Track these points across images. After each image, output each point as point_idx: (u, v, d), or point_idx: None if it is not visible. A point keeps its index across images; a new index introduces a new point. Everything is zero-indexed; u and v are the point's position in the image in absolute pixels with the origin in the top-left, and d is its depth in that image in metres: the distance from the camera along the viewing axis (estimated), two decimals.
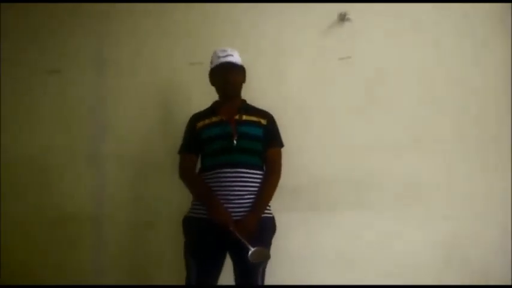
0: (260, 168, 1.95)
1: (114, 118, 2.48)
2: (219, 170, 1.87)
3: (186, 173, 1.96)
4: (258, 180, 1.91)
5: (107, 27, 2.52)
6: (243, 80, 2.05)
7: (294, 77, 2.45)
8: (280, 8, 2.47)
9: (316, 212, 2.35)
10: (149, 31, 2.51)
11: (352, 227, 2.35)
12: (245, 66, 2.06)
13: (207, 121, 1.96)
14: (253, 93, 2.26)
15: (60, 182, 2.46)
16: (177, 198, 2.24)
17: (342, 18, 2.44)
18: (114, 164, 2.45)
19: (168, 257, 2.34)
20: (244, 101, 2.06)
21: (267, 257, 1.80)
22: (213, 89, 2.07)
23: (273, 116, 2.05)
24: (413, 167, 2.37)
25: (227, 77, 1.97)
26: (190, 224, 1.93)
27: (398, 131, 2.39)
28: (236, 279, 1.93)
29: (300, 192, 2.33)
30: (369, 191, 2.36)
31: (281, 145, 2.03)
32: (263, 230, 1.86)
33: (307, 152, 2.37)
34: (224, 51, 1.98)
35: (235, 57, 1.99)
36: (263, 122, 1.99)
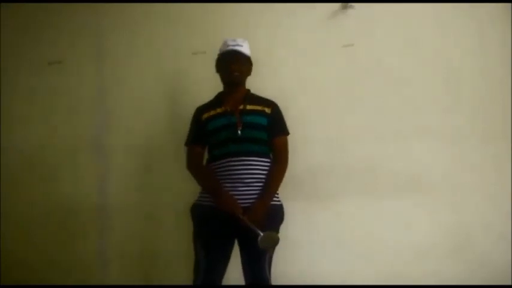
0: (267, 156, 1.97)
1: (117, 108, 2.48)
2: (226, 160, 1.90)
3: (192, 165, 2.01)
4: (265, 168, 1.93)
5: (107, 17, 2.50)
6: (248, 71, 2.05)
7: (293, 65, 2.43)
8: None
9: (316, 201, 2.35)
10: (150, 20, 2.49)
11: (352, 216, 2.34)
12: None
13: (212, 112, 1.98)
14: (251, 82, 2.24)
15: (64, 174, 2.46)
16: (182, 189, 2.23)
17: (345, 6, 2.42)
18: (117, 155, 2.45)
19: (174, 247, 2.35)
20: (249, 90, 2.07)
21: (276, 240, 1.80)
22: (216, 77, 2.07)
23: (278, 104, 2.06)
24: (415, 157, 2.36)
25: (232, 64, 1.97)
26: (196, 211, 1.96)
27: (400, 120, 2.39)
28: (243, 267, 1.93)
29: (300, 182, 2.32)
30: (368, 180, 2.35)
31: (286, 133, 2.05)
32: (271, 217, 1.88)
33: (306, 141, 2.35)
34: (234, 40, 2.00)
35: (244, 48, 2.00)
36: (267, 110, 2.00)
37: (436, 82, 2.41)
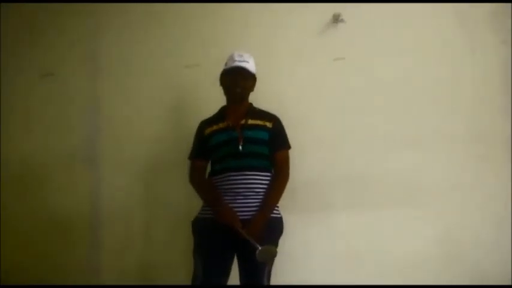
0: (267, 170, 1.98)
1: (109, 119, 2.49)
2: (226, 174, 1.93)
3: (194, 178, 2.05)
4: (265, 182, 1.95)
5: (99, 28, 2.51)
6: (251, 88, 2.07)
7: (287, 77, 2.43)
8: (274, 8, 2.45)
9: (312, 213, 2.34)
10: (143, 31, 2.49)
11: (348, 227, 2.34)
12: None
13: (214, 127, 2.01)
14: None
15: (57, 184, 2.48)
16: (174, 200, 2.27)
17: (336, 19, 2.42)
18: (110, 165, 2.46)
19: (165, 258, 2.36)
20: (251, 104, 2.08)
21: (274, 254, 1.81)
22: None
23: (279, 118, 2.06)
24: (409, 166, 2.35)
25: (236, 80, 1.99)
26: (198, 225, 1.98)
27: (393, 130, 2.38)
28: (241, 281, 1.93)
29: (296, 193, 2.28)
30: (364, 190, 2.35)
31: (287, 147, 2.05)
32: (270, 230, 1.89)
33: (302, 152, 2.31)
34: (241, 56, 2.01)
35: (250, 65, 2.01)
36: (268, 125, 2.01)
37: (436, 82, 2.39)
